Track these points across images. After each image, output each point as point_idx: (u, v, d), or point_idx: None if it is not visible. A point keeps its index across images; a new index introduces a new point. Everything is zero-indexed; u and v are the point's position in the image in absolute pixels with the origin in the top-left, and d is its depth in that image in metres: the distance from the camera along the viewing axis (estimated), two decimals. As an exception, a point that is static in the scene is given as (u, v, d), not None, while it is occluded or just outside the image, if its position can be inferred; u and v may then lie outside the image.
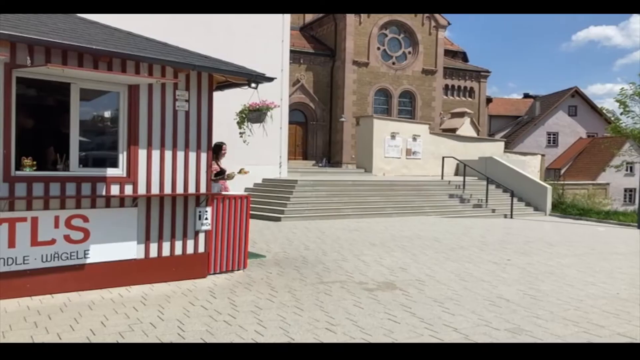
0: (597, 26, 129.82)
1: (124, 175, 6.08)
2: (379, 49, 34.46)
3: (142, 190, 6.19)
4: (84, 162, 5.96)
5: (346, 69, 33.38)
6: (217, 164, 8.29)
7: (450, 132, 28.10)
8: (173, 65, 6.17)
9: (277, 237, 10.62)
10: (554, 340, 4.65)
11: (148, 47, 6.42)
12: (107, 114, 6.45)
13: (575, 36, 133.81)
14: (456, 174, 21.40)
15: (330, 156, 34.38)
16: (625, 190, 36.95)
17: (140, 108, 6.13)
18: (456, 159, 20.86)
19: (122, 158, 6.09)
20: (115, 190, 6.02)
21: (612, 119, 27.56)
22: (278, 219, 13.62)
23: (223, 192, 7.95)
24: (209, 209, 6.77)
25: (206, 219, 6.74)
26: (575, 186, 26.46)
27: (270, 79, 6.79)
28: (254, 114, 6.86)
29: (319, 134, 34.57)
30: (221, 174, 8.34)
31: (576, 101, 46.63)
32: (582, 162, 40.93)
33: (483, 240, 11.08)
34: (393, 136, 21.92)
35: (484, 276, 7.37)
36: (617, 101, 25.54)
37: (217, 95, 7.07)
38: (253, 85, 6.74)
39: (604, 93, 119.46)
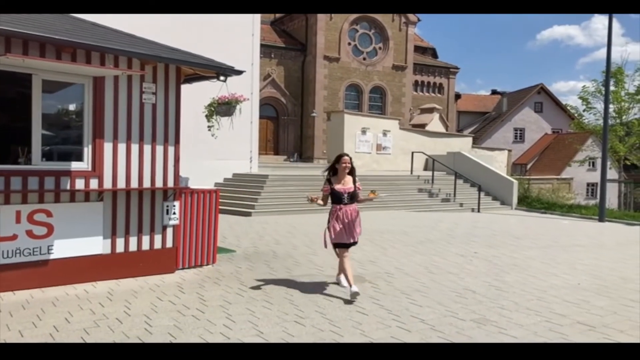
0: (560, 25, 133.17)
1: (89, 169, 5.96)
2: (349, 44, 34.57)
3: (107, 184, 6.07)
4: (48, 156, 5.82)
5: (317, 64, 33.39)
6: (331, 184, 5.80)
7: (420, 128, 28.45)
8: (139, 57, 6.06)
9: (248, 232, 10.57)
10: (517, 329, 4.78)
11: (114, 38, 6.29)
12: (71, 107, 6.30)
13: (540, 35, 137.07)
14: (425, 168, 21.67)
15: (301, 151, 34.37)
16: (588, 184, 38.12)
17: (106, 100, 6.00)
18: (425, 154, 21.13)
19: (87, 152, 5.96)
20: (80, 184, 5.88)
21: (576, 115, 28.42)
22: (249, 214, 13.56)
23: (347, 219, 5.68)
24: (176, 203, 6.69)
25: (174, 213, 6.66)
26: (540, 181, 27.17)
27: (239, 72, 6.74)
28: (223, 108, 6.78)
29: (290, 129, 34.51)
30: (339, 199, 5.73)
31: (542, 98, 47.83)
32: (547, 157, 42.02)
33: (451, 233, 11.26)
34: (364, 131, 22.06)
35: (451, 268, 7.50)
36: (580, 98, 26.37)
37: (185, 88, 6.98)
38: (222, 78, 6.70)
39: (567, 90, 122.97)
